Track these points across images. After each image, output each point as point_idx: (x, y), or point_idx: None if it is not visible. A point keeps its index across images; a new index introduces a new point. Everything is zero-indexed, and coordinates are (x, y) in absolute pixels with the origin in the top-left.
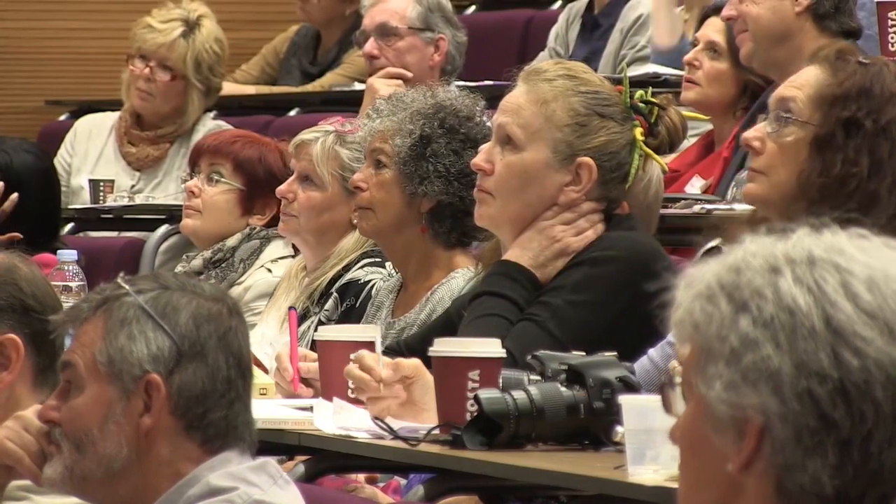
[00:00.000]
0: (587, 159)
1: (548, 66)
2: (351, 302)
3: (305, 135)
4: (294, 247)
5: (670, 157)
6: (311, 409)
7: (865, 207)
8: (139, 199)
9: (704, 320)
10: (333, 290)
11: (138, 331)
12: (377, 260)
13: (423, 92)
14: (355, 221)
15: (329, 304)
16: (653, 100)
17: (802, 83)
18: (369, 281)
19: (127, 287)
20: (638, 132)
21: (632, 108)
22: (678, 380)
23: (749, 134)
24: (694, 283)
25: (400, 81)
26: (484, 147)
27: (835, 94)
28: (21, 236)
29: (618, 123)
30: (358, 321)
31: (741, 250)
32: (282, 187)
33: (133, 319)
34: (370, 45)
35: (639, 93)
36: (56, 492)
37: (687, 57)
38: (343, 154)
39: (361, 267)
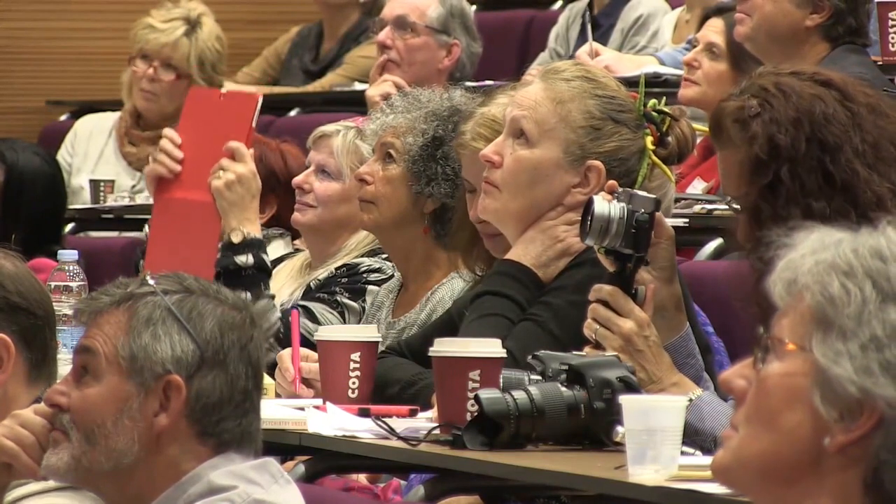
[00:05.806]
0: (597, 163)
1: (566, 65)
2: (342, 270)
3: (326, 128)
4: (294, 249)
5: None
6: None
7: None
8: (140, 199)
9: (841, 296)
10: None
11: (164, 332)
12: (385, 257)
13: (439, 93)
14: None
15: (324, 274)
16: (666, 110)
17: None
18: (366, 266)
19: (154, 286)
20: (648, 141)
21: (645, 116)
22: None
23: None
24: (821, 251)
25: (388, 78)
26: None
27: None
28: None
29: (630, 130)
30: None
31: (882, 236)
32: (298, 178)
33: (159, 320)
34: (384, 35)
35: (652, 101)
36: (57, 480)
37: (686, 57)
38: (363, 149)
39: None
